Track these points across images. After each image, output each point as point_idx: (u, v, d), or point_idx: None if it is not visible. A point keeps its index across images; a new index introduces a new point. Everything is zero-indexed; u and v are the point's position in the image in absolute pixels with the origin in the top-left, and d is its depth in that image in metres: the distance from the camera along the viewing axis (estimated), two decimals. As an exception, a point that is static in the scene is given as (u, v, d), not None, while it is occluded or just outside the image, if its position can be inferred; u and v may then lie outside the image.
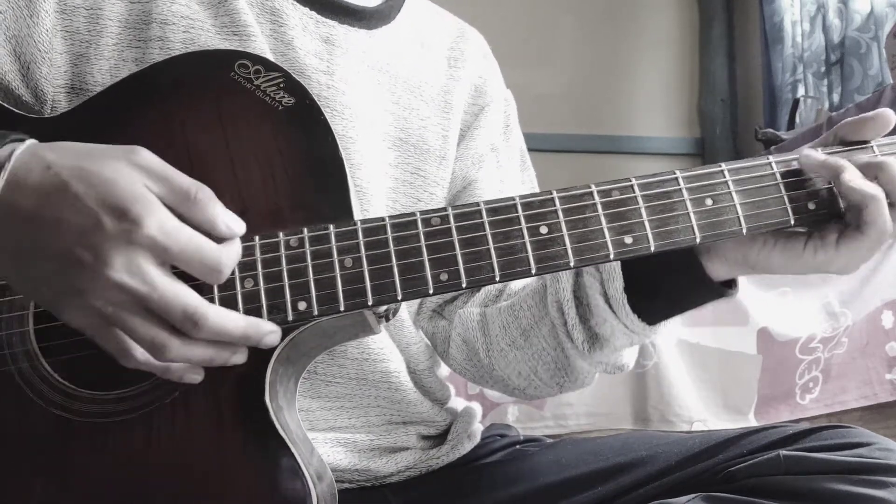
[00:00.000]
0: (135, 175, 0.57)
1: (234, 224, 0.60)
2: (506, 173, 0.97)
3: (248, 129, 0.67)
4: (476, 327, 0.87)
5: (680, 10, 3.98)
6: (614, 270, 0.77)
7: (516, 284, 0.90)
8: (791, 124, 3.31)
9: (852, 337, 1.91)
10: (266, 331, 0.61)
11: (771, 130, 3.25)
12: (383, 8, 0.90)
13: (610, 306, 0.77)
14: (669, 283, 0.76)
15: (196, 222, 0.58)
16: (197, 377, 0.61)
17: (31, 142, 0.59)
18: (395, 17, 0.91)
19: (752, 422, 1.86)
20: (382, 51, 0.88)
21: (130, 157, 0.58)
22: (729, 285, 0.76)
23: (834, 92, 3.42)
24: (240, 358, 0.61)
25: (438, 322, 0.92)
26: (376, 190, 0.84)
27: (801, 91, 3.49)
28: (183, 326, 0.57)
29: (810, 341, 1.89)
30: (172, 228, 0.56)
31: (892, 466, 0.70)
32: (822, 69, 3.47)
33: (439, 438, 0.92)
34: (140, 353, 0.58)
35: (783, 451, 0.73)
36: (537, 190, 0.85)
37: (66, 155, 0.57)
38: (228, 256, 0.59)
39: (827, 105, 3.37)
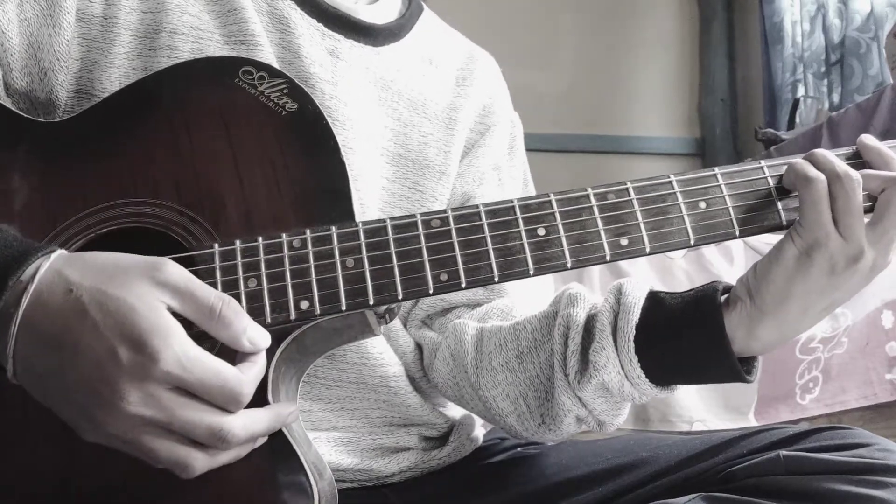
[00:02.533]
0: (156, 296, 0.56)
1: (258, 339, 0.59)
2: (507, 192, 0.97)
3: (252, 133, 0.69)
4: (469, 342, 0.85)
5: (680, 10, 3.98)
6: (634, 307, 0.75)
7: (524, 311, 0.88)
8: (791, 124, 3.31)
9: (852, 337, 1.91)
10: (286, 413, 0.62)
11: (771, 130, 3.26)
12: (393, 26, 0.91)
13: (614, 338, 0.75)
14: (686, 336, 0.73)
15: (219, 339, 0.58)
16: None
17: (56, 256, 0.58)
18: (405, 35, 0.92)
19: (752, 422, 1.86)
20: (388, 67, 0.89)
21: (154, 275, 0.57)
22: (749, 371, 0.73)
23: (834, 92, 3.42)
24: (261, 442, 0.62)
25: (426, 333, 0.90)
26: (371, 202, 0.85)
27: (801, 91, 3.49)
28: (210, 444, 0.57)
29: (810, 341, 1.88)
30: (189, 361, 0.55)
31: (891, 467, 0.71)
32: (822, 69, 3.47)
33: (441, 440, 0.92)
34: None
35: (783, 452, 0.73)
36: None
37: (89, 274, 0.56)
38: (249, 382, 0.58)
39: (827, 105, 3.38)
